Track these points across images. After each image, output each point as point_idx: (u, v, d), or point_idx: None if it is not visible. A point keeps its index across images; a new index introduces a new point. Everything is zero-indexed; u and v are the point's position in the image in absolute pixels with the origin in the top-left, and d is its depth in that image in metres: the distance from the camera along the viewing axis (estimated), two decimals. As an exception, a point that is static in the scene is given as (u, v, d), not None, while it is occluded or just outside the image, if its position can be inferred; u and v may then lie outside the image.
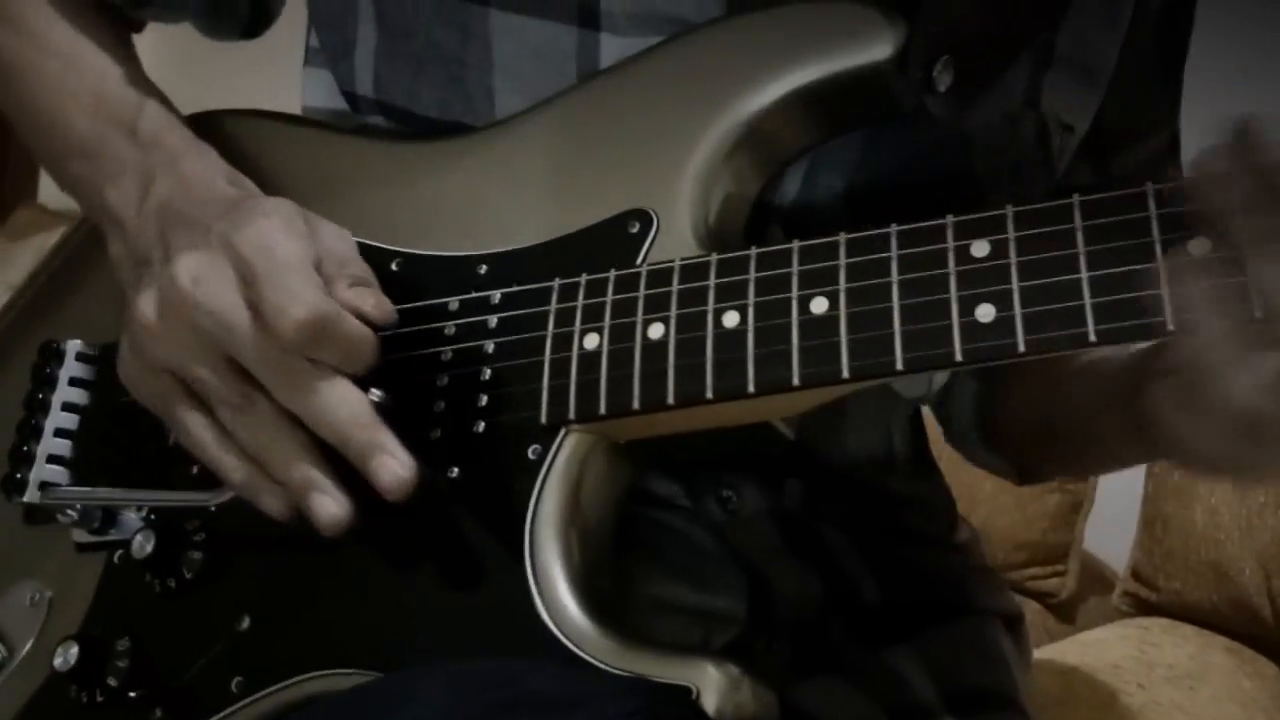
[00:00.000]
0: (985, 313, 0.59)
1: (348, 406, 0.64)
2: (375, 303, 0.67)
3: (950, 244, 0.60)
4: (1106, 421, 0.75)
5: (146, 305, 0.68)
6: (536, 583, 0.63)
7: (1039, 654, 1.76)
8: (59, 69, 0.81)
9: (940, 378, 0.90)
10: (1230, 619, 1.85)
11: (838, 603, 0.79)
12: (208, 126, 0.80)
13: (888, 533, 0.85)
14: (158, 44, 0.94)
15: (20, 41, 0.83)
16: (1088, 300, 0.57)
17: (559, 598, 0.62)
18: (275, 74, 0.90)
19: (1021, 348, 0.58)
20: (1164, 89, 0.91)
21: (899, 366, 0.60)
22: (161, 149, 0.76)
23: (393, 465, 0.64)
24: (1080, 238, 0.58)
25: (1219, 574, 1.84)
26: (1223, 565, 1.83)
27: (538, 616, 0.62)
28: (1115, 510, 2.06)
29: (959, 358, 0.59)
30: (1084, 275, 0.57)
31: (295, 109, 0.88)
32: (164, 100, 0.81)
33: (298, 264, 0.65)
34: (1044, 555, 2.37)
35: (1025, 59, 0.80)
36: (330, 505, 0.65)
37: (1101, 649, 1.77)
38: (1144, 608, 1.94)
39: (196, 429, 0.69)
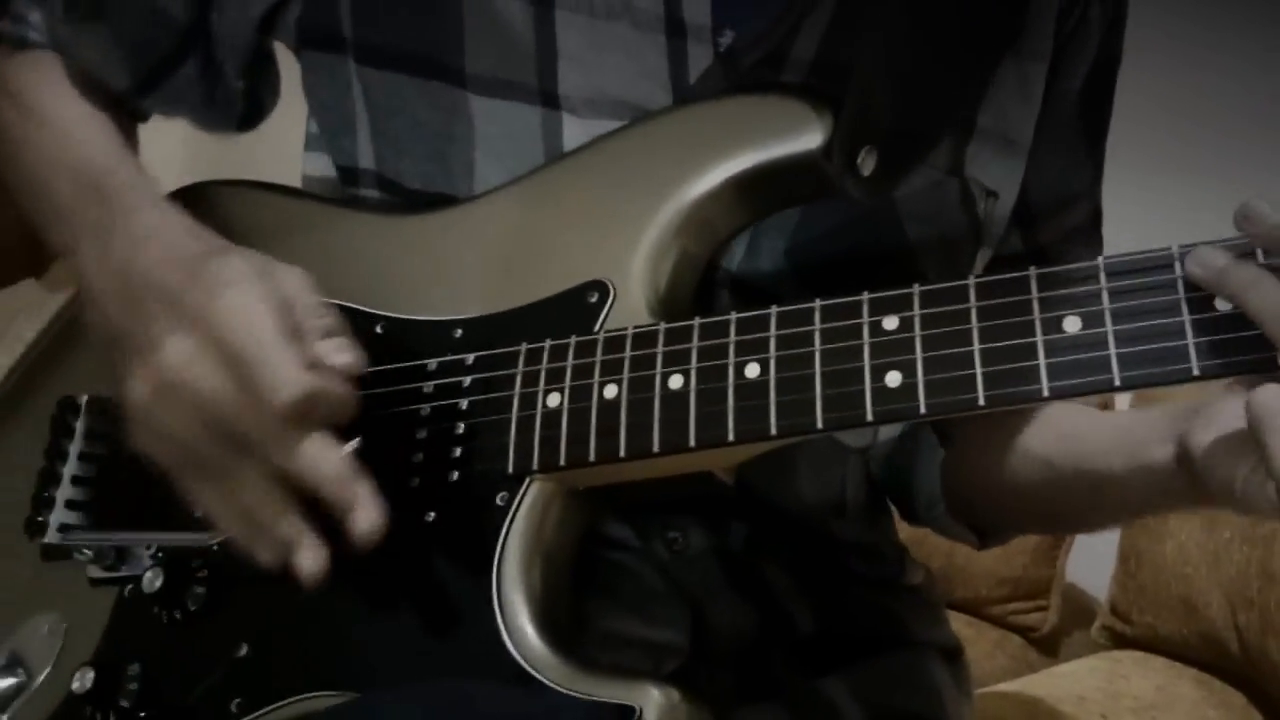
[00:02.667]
0: (893, 379, 0.66)
1: (331, 465, 0.70)
2: (347, 356, 0.72)
3: (865, 318, 0.68)
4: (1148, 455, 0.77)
5: (138, 388, 0.73)
6: (502, 613, 0.70)
7: (1010, 685, 1.78)
8: (50, 141, 0.86)
9: (887, 430, 0.96)
10: (1200, 651, 1.84)
11: (774, 635, 0.85)
12: (200, 196, 0.86)
13: (831, 573, 0.90)
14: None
15: (20, 115, 0.89)
16: (979, 370, 0.64)
17: (521, 626, 0.69)
18: (295, 143, 0.96)
19: (923, 410, 0.65)
20: (1085, 164, 0.96)
21: (819, 426, 0.67)
22: (119, 203, 0.80)
23: (365, 516, 0.69)
24: (974, 315, 0.65)
25: (1189, 607, 1.83)
26: (1192, 599, 1.82)
27: (502, 643, 0.69)
28: (1101, 544, 2.07)
29: (870, 418, 0.66)
30: (976, 348, 0.65)
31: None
32: (138, 167, 0.84)
33: (275, 340, 0.69)
34: (1026, 590, 2.39)
35: (946, 136, 0.86)
36: (309, 560, 0.70)
37: (1071, 681, 1.77)
38: (1121, 641, 1.93)
39: (197, 489, 0.74)
